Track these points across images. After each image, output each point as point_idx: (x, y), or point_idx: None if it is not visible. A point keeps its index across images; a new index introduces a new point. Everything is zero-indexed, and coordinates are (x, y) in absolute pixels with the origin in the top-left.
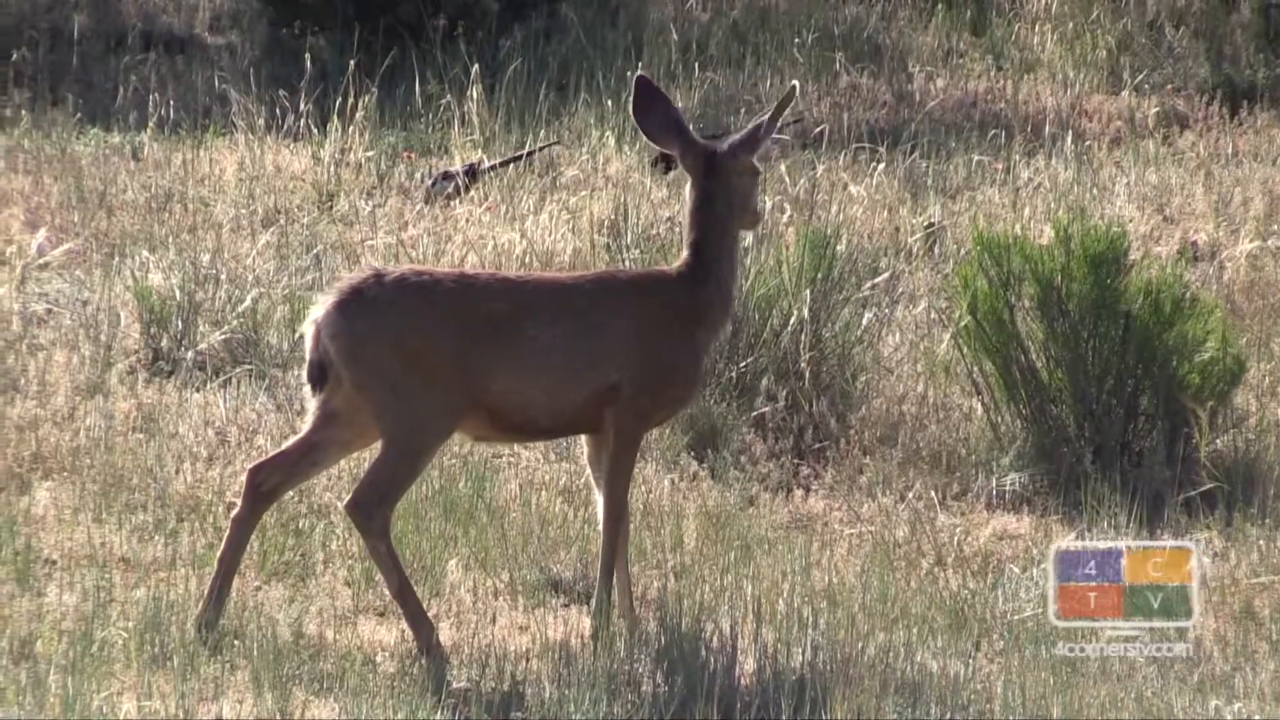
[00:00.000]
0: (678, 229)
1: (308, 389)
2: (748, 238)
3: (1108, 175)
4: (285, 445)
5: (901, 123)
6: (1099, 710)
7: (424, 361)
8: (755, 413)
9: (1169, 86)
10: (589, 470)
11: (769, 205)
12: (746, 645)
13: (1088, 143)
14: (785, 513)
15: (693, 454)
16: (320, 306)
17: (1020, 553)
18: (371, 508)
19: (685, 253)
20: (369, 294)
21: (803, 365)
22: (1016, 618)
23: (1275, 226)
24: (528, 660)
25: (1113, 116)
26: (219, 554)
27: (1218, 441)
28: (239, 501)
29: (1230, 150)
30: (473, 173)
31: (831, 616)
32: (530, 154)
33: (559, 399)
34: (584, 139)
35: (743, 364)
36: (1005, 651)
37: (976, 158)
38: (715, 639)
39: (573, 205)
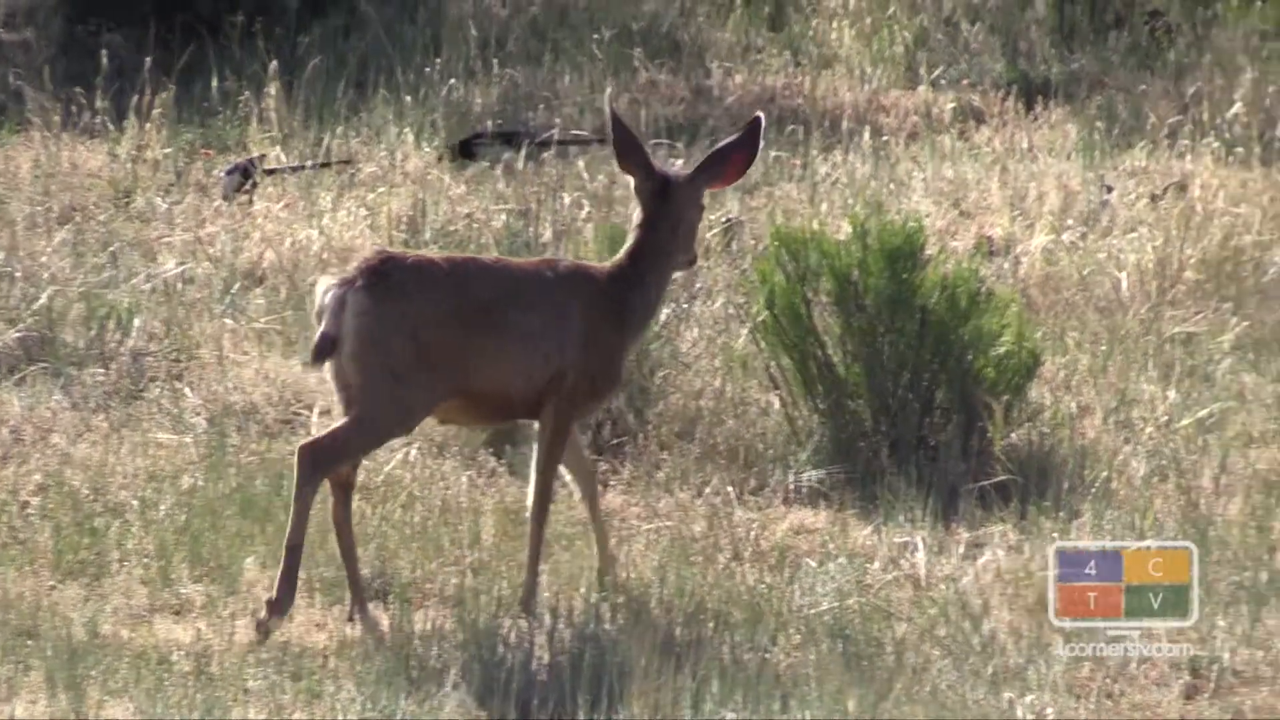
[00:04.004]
0: (476, 224)
1: (310, 360)
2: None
3: (904, 170)
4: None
5: (699, 118)
6: (894, 704)
7: (431, 351)
8: None
9: (965, 81)
10: None
11: (568, 201)
12: (544, 641)
13: (885, 138)
14: (583, 508)
15: (491, 450)
16: (339, 285)
17: (817, 547)
18: (322, 463)
19: (620, 256)
20: (395, 279)
21: None
22: (813, 612)
23: (1070, 221)
24: (325, 658)
25: (909, 111)
26: (340, 551)
27: (1012, 435)
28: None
29: (1025, 145)
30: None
31: (629, 612)
32: (327, 164)
33: (531, 383)
34: (382, 135)
35: None
36: (802, 646)
37: (774, 153)
38: (513, 635)
39: (371, 202)
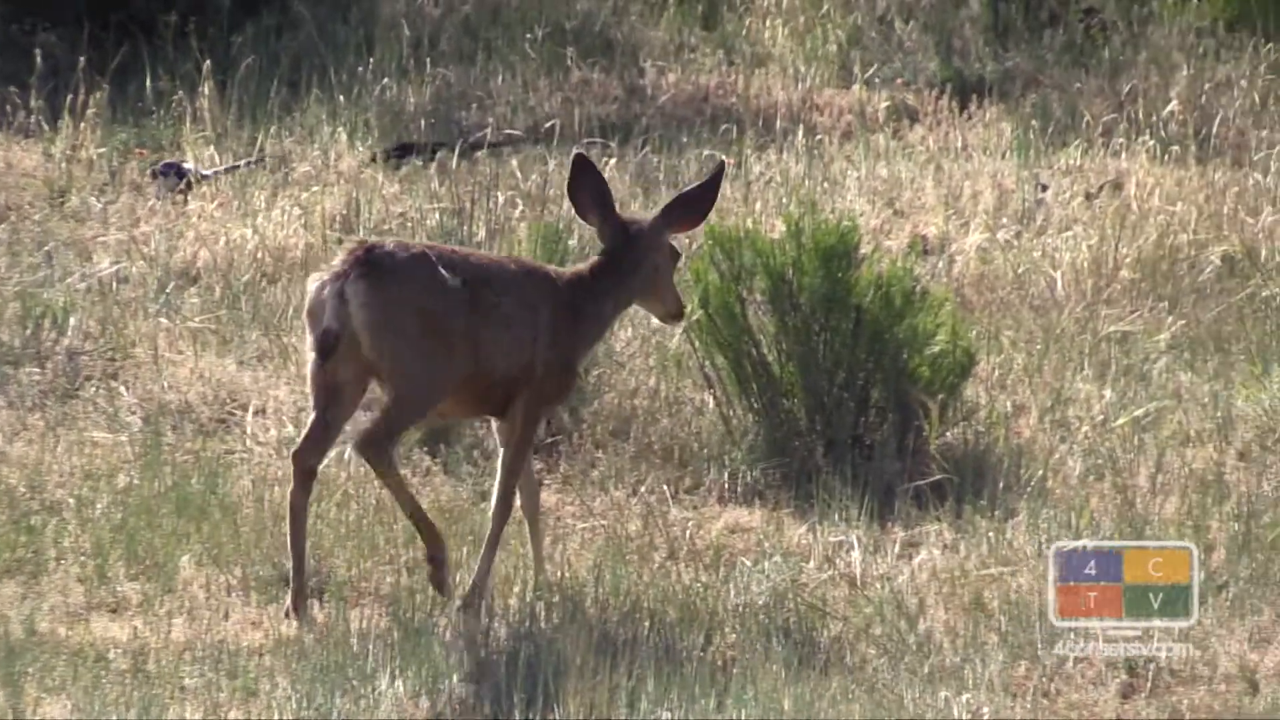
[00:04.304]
0: (410, 224)
1: (312, 358)
2: (664, 326)
3: (839, 169)
4: (309, 428)
5: (633, 117)
6: (830, 703)
7: (442, 326)
8: None
9: (899, 80)
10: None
11: (501, 201)
12: (480, 640)
13: (819, 137)
14: (517, 507)
15: (425, 449)
16: (332, 280)
17: (752, 546)
18: (384, 445)
19: (582, 267)
20: (387, 265)
21: None
22: (749, 610)
23: (1004, 219)
24: (261, 656)
25: (843, 110)
26: (290, 542)
27: (948, 434)
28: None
29: (960, 144)
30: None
31: (564, 611)
32: (259, 160)
33: (511, 366)
34: (316, 135)
35: None
36: (738, 644)
37: (708, 152)
38: (449, 633)
39: (305, 201)
